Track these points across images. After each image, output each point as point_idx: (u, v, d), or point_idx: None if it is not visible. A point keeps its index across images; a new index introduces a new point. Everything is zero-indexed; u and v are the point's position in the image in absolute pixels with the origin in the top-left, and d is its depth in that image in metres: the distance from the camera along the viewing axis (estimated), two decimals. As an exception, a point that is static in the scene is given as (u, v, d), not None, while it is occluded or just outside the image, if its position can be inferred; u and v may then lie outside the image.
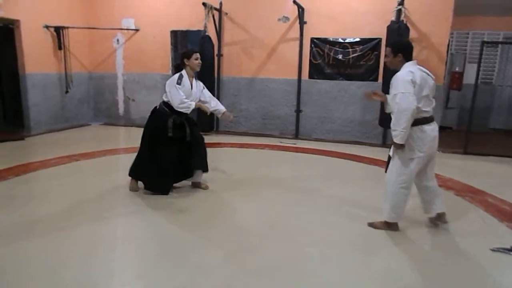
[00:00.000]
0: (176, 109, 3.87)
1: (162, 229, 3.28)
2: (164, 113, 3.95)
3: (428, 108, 3.01)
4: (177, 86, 3.81)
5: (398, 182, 3.10)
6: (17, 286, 2.38)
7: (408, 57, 3.05)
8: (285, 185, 4.50)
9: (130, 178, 4.16)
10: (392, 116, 2.99)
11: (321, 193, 4.25)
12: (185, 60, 3.94)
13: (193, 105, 3.88)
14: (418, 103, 2.91)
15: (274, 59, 7.36)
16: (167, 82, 3.91)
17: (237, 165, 5.44)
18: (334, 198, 4.06)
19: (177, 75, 3.90)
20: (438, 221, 3.32)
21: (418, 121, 2.99)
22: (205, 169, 4.21)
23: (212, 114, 4.34)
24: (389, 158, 3.22)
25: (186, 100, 3.83)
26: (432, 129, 3.05)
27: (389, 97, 3.10)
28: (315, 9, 6.93)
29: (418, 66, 3.06)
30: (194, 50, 4.02)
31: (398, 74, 3.00)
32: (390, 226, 3.26)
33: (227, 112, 4.25)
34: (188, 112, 3.92)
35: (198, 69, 4.00)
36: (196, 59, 3.93)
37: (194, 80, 4.03)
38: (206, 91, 4.19)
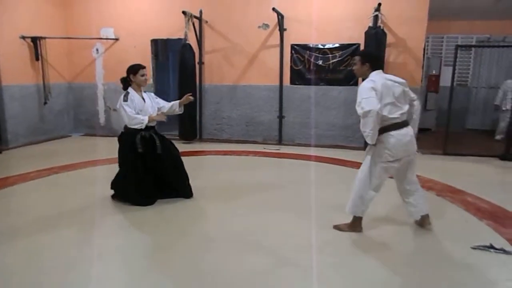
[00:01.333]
0: (130, 126, 3.84)
1: (144, 241, 3.24)
2: (130, 132, 3.90)
3: (396, 115, 3.05)
4: (124, 103, 3.78)
5: (366, 182, 3.20)
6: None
7: (375, 67, 3.17)
8: (269, 191, 4.50)
9: (112, 190, 4.12)
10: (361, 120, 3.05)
11: (305, 198, 4.27)
12: (131, 76, 3.92)
13: (146, 119, 3.82)
14: (382, 110, 2.98)
15: (255, 66, 7.41)
16: (117, 105, 3.87)
17: (222, 172, 5.42)
18: (318, 203, 4.08)
19: (123, 94, 3.86)
20: (422, 224, 3.39)
21: (387, 128, 3.06)
22: (189, 196, 4.20)
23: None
24: None
25: (136, 116, 3.79)
26: (403, 134, 3.08)
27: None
28: (295, 16, 7.02)
29: (385, 75, 3.16)
30: (140, 66, 3.94)
31: (362, 83, 3.14)
32: (354, 226, 3.33)
33: (182, 99, 4.11)
34: (143, 127, 3.83)
35: (144, 85, 3.98)
36: (142, 75, 3.90)
37: (143, 93, 4.01)
38: (159, 99, 4.17)
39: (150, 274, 2.66)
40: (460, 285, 2.56)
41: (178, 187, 4.14)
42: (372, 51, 3.26)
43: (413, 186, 3.33)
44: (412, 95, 3.25)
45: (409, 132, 3.13)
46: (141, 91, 3.99)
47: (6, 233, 3.28)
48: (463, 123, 9.28)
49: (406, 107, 3.15)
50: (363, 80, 3.22)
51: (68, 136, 8.19)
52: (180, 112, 4.26)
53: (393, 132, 3.05)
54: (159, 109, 4.08)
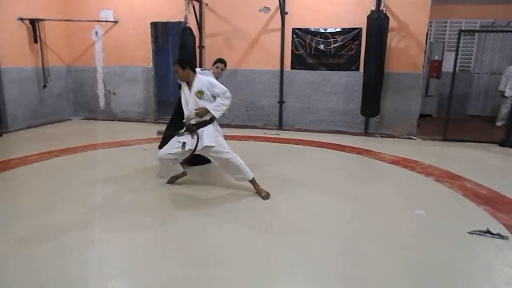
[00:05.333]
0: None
1: (150, 220, 3.27)
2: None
3: None
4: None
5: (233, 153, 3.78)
6: (-1, 285, 2.35)
7: (194, 69, 3.70)
8: (267, 176, 4.51)
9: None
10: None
11: (303, 183, 4.30)
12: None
13: None
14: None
15: (256, 50, 7.34)
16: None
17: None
18: (318, 189, 4.12)
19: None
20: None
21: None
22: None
23: None
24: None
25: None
26: None
27: (210, 104, 3.68)
28: (296, -1, 6.93)
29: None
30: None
31: (208, 79, 3.73)
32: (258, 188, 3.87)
33: None
34: None
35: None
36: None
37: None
38: None
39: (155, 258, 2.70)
40: (456, 269, 2.59)
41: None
42: (186, 57, 4.12)
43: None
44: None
45: None
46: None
47: (8, 217, 3.31)
48: (464, 109, 9.23)
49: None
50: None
51: (68, 120, 8.19)
52: None
53: None
54: None
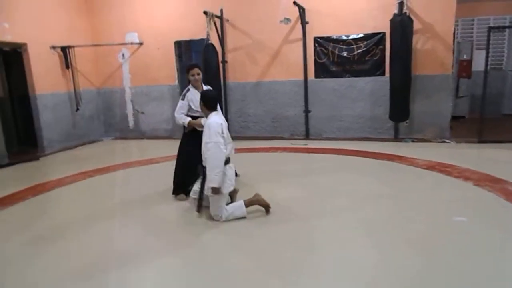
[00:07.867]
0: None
1: (184, 243, 3.29)
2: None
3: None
4: (180, 101, 4.12)
5: None
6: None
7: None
8: (298, 185, 4.46)
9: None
10: None
11: (335, 193, 4.21)
12: (186, 75, 4.16)
13: (186, 123, 4.10)
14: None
15: (278, 61, 7.36)
16: None
17: (252, 170, 5.36)
18: (352, 198, 4.03)
19: (185, 90, 4.14)
20: None
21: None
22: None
23: None
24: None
25: (178, 116, 4.12)
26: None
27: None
28: (316, 8, 6.91)
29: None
30: (190, 66, 4.13)
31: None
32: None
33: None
34: (185, 125, 4.13)
35: (195, 84, 4.12)
36: (193, 75, 4.07)
37: (204, 88, 4.18)
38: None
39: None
40: (503, 283, 2.44)
41: None
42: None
43: None
44: None
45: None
46: (201, 87, 4.16)
47: (47, 236, 3.42)
48: (499, 108, 8.85)
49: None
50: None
51: (99, 140, 8.45)
52: None
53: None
54: None
